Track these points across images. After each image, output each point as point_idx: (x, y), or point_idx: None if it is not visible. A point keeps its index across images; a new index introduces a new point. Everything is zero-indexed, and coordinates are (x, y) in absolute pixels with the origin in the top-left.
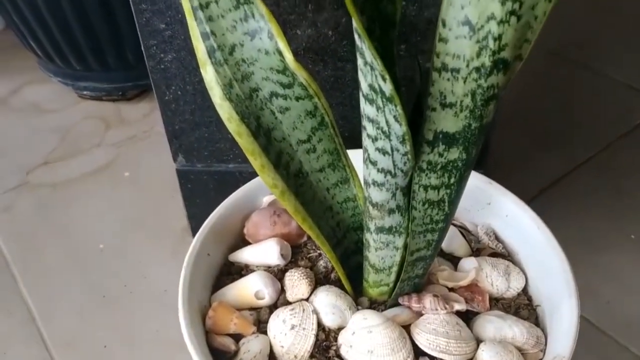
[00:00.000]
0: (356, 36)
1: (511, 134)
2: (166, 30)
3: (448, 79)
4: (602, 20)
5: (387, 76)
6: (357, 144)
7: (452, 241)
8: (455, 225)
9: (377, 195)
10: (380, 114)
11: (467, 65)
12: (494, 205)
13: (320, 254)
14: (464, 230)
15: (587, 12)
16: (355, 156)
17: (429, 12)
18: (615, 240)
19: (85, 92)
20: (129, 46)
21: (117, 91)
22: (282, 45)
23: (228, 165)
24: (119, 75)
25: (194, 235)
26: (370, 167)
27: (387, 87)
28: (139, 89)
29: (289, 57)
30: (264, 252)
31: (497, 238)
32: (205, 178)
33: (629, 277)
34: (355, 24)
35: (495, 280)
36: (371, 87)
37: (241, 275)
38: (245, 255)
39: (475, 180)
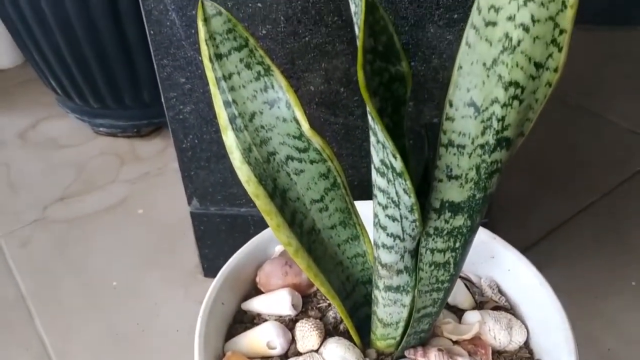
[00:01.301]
0: (370, 117)
1: (516, 177)
2: (186, 84)
3: (454, 154)
4: (607, 67)
5: (397, 155)
6: (366, 192)
7: (457, 294)
8: (460, 277)
9: (386, 256)
10: (390, 186)
11: (472, 142)
12: (497, 259)
13: (329, 304)
14: (468, 283)
15: (592, 59)
16: (363, 208)
17: (435, 69)
18: (616, 286)
19: (101, 129)
20: (146, 86)
21: (132, 128)
22: (299, 115)
23: (240, 209)
24: (135, 113)
25: (205, 274)
26: (380, 231)
27: (398, 164)
28: (153, 126)
29: (305, 125)
30: (276, 302)
31: (500, 291)
32: (218, 221)
33: (629, 325)
34: (368, 108)
35: (498, 333)
36: (383, 162)
37: (253, 324)
38: (257, 304)
39: (480, 235)
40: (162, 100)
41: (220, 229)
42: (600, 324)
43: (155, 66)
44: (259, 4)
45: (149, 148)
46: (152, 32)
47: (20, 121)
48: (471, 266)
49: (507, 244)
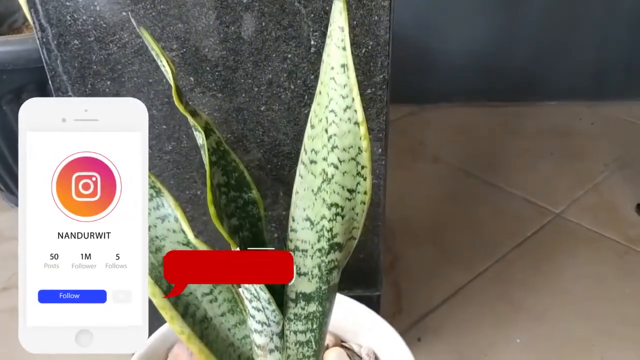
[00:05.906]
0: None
1: (420, 247)
2: None
3: (300, 256)
4: (506, 140)
5: None
6: None
7: None
8: (344, 347)
9: (258, 339)
10: (250, 285)
11: (312, 247)
12: (373, 332)
13: None
14: (349, 352)
15: (493, 133)
16: None
17: None
18: (503, 344)
19: None
20: None
21: None
22: (185, 227)
23: None
24: None
25: None
26: (251, 319)
27: None
28: None
29: (190, 235)
30: None
31: (376, 359)
32: None
33: None
34: (220, 232)
35: None
36: None
37: None
38: None
39: (359, 310)
40: None
41: None
42: None
43: None
44: (164, 126)
45: None
46: None
47: None
48: (353, 336)
49: (380, 319)
